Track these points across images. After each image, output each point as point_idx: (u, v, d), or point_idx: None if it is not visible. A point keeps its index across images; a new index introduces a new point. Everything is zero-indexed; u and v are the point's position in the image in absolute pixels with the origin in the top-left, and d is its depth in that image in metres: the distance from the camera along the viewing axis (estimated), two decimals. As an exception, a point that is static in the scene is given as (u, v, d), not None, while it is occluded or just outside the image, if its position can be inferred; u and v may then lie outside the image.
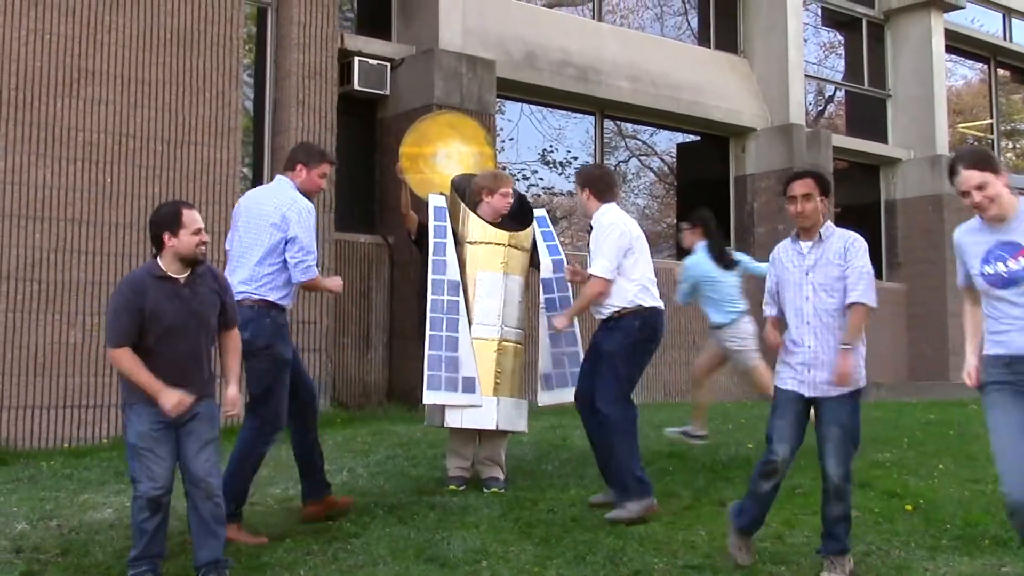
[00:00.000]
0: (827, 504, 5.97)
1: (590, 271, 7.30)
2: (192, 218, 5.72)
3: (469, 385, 7.71)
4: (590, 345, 7.54)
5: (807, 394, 5.97)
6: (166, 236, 5.70)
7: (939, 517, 7.12)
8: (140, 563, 5.58)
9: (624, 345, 7.23)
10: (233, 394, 5.89)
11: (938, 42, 21.23)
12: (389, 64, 14.05)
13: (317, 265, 6.90)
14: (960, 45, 23.17)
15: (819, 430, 6.00)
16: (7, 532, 6.52)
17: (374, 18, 14.80)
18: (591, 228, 7.52)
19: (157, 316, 5.65)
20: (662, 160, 19.06)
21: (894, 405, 13.82)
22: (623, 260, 7.28)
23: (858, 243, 6.04)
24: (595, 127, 17.17)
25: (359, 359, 13.38)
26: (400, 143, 8.84)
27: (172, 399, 5.52)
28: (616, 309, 7.28)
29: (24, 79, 10.17)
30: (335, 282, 7.27)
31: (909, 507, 7.33)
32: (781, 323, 6.29)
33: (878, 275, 19.93)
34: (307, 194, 7.00)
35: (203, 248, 5.77)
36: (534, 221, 8.28)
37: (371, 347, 13.36)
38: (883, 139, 21.48)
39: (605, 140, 17.45)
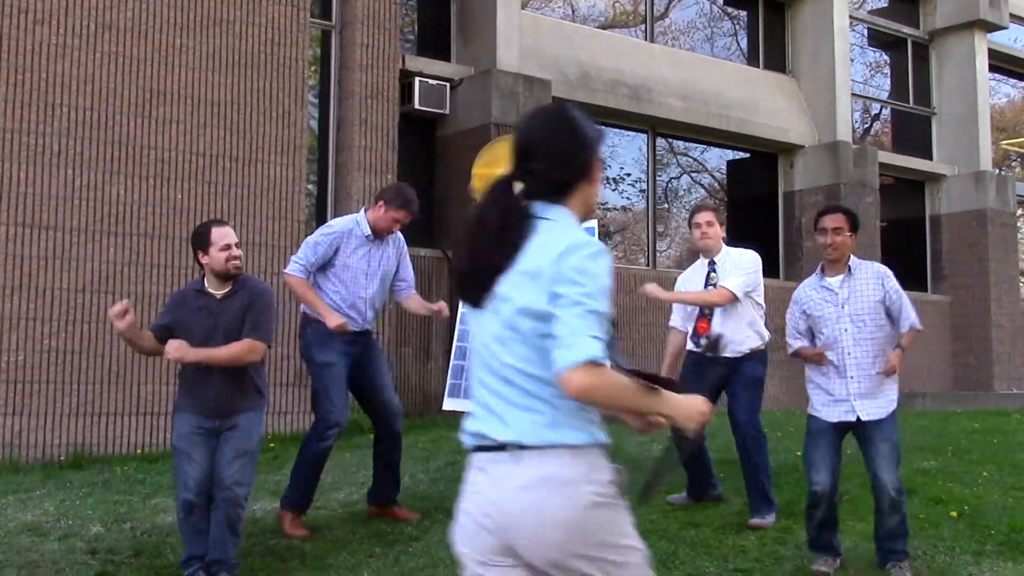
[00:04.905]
0: (883, 517, 6.12)
1: (729, 286, 7.37)
2: (221, 234, 5.89)
3: None
4: (692, 371, 7.59)
5: (852, 420, 6.14)
6: (200, 254, 5.93)
7: (983, 523, 7.15)
8: (190, 564, 5.78)
9: (765, 374, 7.60)
10: (177, 345, 5.78)
11: (981, 61, 21.20)
12: (448, 84, 14.15)
13: (302, 271, 7.15)
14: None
15: (867, 450, 6.14)
16: (83, 534, 6.66)
17: (434, 40, 14.94)
18: (713, 263, 7.63)
19: (185, 327, 5.88)
20: (712, 176, 19.14)
21: (939, 414, 13.74)
22: (756, 297, 7.57)
23: (890, 275, 6.26)
24: (648, 144, 17.25)
25: (420, 368, 13.37)
26: (472, 164, 9.00)
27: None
28: (762, 342, 7.57)
29: (99, 99, 10.36)
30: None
31: (954, 513, 7.36)
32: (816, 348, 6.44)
33: (924, 288, 20.05)
34: (376, 229, 7.33)
35: (235, 263, 5.90)
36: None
37: (431, 357, 13.37)
38: (928, 156, 21.45)
39: (657, 157, 17.54)
